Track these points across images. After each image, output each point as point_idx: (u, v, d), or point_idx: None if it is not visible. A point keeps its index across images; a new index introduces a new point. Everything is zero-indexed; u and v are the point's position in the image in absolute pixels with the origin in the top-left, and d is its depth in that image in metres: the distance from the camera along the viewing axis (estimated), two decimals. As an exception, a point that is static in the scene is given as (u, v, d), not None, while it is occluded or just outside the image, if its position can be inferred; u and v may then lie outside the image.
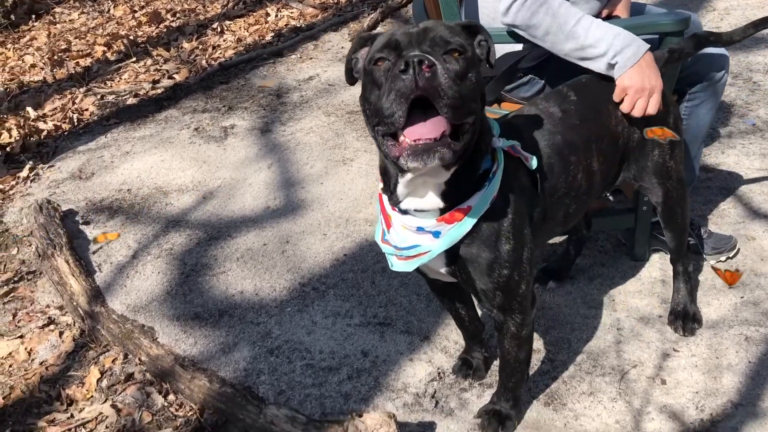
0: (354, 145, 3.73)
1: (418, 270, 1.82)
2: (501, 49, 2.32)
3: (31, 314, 2.77)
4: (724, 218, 2.85)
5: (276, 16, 5.82)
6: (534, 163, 1.73)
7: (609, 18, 2.31)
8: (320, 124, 4.02)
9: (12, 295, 2.88)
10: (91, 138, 4.16)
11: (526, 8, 1.98)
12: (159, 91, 4.71)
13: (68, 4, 6.78)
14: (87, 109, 4.53)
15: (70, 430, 2.23)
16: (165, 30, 5.77)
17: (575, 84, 1.97)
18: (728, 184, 3.07)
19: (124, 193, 3.52)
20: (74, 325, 2.67)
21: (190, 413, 2.23)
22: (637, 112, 1.94)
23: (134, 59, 5.20)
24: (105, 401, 2.31)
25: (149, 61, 5.18)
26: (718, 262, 2.59)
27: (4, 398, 2.37)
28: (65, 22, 6.36)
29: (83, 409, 2.30)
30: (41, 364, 2.51)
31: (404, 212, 1.66)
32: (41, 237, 2.99)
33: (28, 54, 5.57)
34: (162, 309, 2.68)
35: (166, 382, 2.34)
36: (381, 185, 1.71)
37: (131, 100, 4.62)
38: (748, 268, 2.55)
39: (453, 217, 1.62)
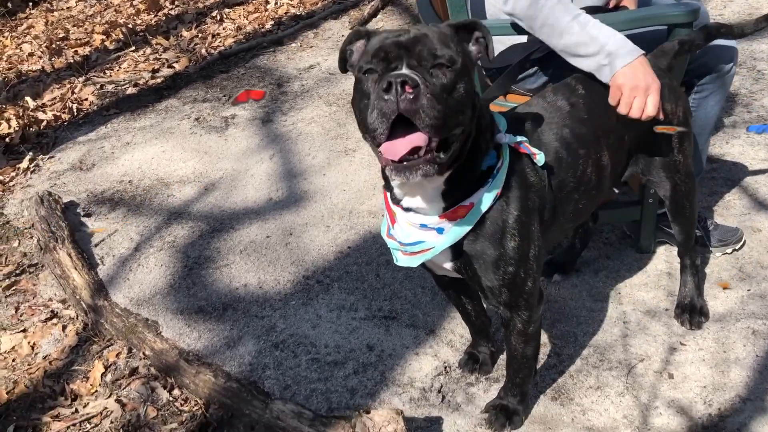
0: (356, 136, 3.71)
1: (423, 265, 1.81)
2: (508, 41, 2.30)
3: (33, 308, 2.75)
4: (730, 210, 2.84)
5: (275, 3, 5.77)
6: (541, 159, 1.71)
7: (616, 9, 2.28)
8: (321, 114, 4.00)
9: (14, 288, 2.87)
10: (91, 128, 4.13)
11: None
12: (159, 80, 4.67)
13: (65, -9, 6.72)
14: (86, 99, 4.50)
15: (74, 425, 2.22)
16: (164, 18, 5.73)
17: (583, 76, 1.95)
18: (733, 175, 3.06)
19: (126, 184, 3.50)
20: (77, 318, 2.66)
21: (196, 408, 2.22)
22: (635, 113, 1.87)
23: (133, 48, 5.15)
24: (109, 396, 2.31)
25: (148, 50, 5.14)
26: (723, 254, 2.58)
27: (7, 393, 2.36)
28: (63, 9, 6.30)
29: (88, 404, 2.29)
30: (45, 358, 2.50)
31: (407, 209, 1.65)
32: (43, 230, 2.97)
33: (26, 42, 5.52)
34: (165, 302, 2.67)
35: (171, 377, 2.33)
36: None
37: (131, 90, 4.58)
38: (754, 261, 2.54)
39: (455, 214, 1.62)
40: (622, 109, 1.87)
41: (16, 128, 4.03)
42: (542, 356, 2.23)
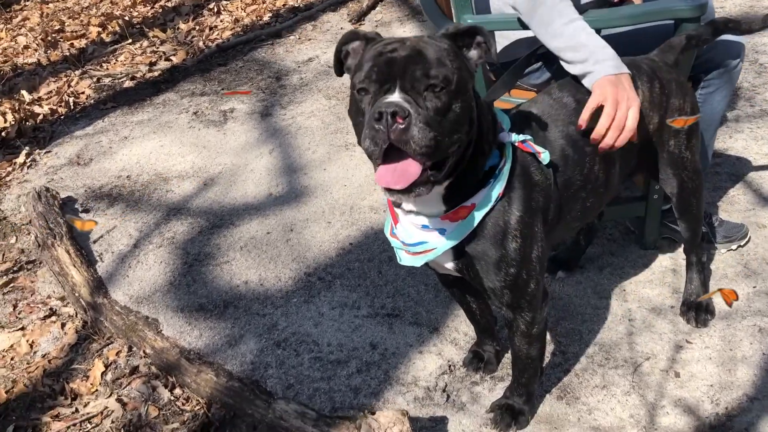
0: (356, 130, 3.68)
1: (426, 264, 1.79)
2: (512, 36, 2.27)
3: (31, 305, 2.73)
4: (734, 205, 2.82)
5: (273, -5, 5.72)
6: (546, 157, 1.69)
7: (622, 3, 2.25)
8: (321, 108, 3.96)
9: (12, 285, 2.84)
10: (88, 122, 4.09)
11: None
12: (156, 73, 4.63)
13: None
14: (83, 93, 4.46)
15: (75, 425, 2.20)
16: (161, 10, 5.67)
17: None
18: (737, 169, 3.03)
19: (124, 179, 3.47)
20: (76, 316, 2.63)
21: (197, 408, 2.19)
22: (616, 125, 1.77)
23: (130, 41, 5.11)
24: (110, 395, 2.28)
25: (145, 43, 5.09)
26: (728, 250, 2.55)
27: (6, 392, 2.33)
28: (58, 1, 6.24)
29: (88, 403, 2.27)
30: (44, 356, 2.47)
31: (408, 211, 1.64)
32: (41, 226, 2.94)
33: (21, 35, 5.47)
34: (165, 300, 2.64)
35: (172, 376, 2.31)
36: None
37: (128, 83, 4.54)
38: (759, 257, 2.52)
39: (457, 215, 1.61)
40: (603, 120, 1.76)
41: (12, 122, 3.99)
42: (547, 354, 2.21)
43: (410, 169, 1.40)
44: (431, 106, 1.40)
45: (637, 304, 2.39)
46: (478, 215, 1.61)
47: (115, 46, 5.08)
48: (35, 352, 2.50)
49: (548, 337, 2.26)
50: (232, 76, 4.51)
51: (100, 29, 5.36)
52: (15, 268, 2.92)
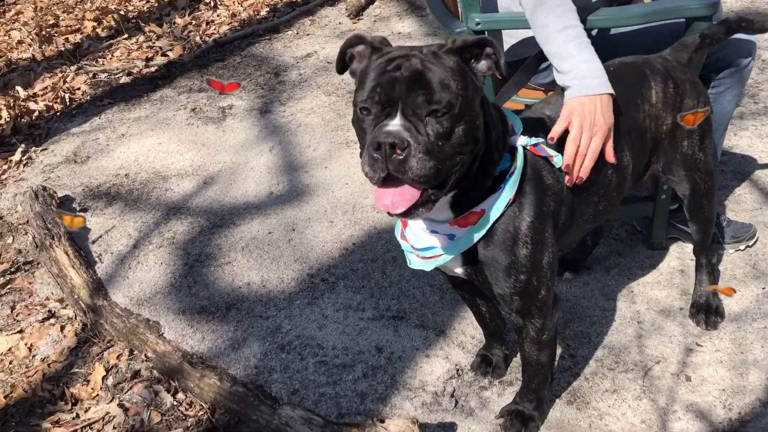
0: (357, 127, 3.63)
1: (437, 268, 1.75)
2: (519, 35, 2.24)
3: (30, 307, 2.68)
4: (741, 204, 2.79)
5: (270, -11, 5.65)
6: (559, 161, 1.66)
7: (632, 1, 2.22)
8: (321, 104, 3.92)
9: (9, 287, 2.79)
10: (84, 119, 4.03)
11: None
12: (153, 69, 4.57)
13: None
14: (79, 88, 4.39)
15: (76, 431, 2.16)
16: (156, 4, 5.60)
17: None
18: (743, 168, 3.01)
19: (122, 178, 3.42)
20: (76, 318, 2.59)
21: (201, 413, 2.16)
22: (580, 151, 1.68)
23: (126, 35, 5.04)
24: (111, 400, 2.25)
25: (141, 38, 5.03)
26: (736, 251, 2.53)
27: (5, 397, 2.29)
28: (52, -5, 6.16)
29: (89, 408, 2.23)
30: (43, 360, 2.43)
31: None
32: (38, 226, 2.89)
33: (15, 29, 5.39)
34: (167, 302, 2.60)
35: (175, 380, 2.27)
36: None
37: (124, 79, 4.48)
38: (768, 257, 2.50)
39: (466, 220, 1.58)
40: (568, 147, 1.68)
41: (7, 119, 3.92)
42: (556, 358, 2.18)
43: (408, 192, 1.38)
44: (432, 132, 1.37)
45: (646, 305, 2.36)
46: (488, 221, 1.58)
47: (111, 41, 5.01)
48: (34, 356, 2.46)
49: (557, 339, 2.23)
50: (229, 71, 4.46)
51: (95, 24, 5.28)
52: (12, 269, 2.87)
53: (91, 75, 4.55)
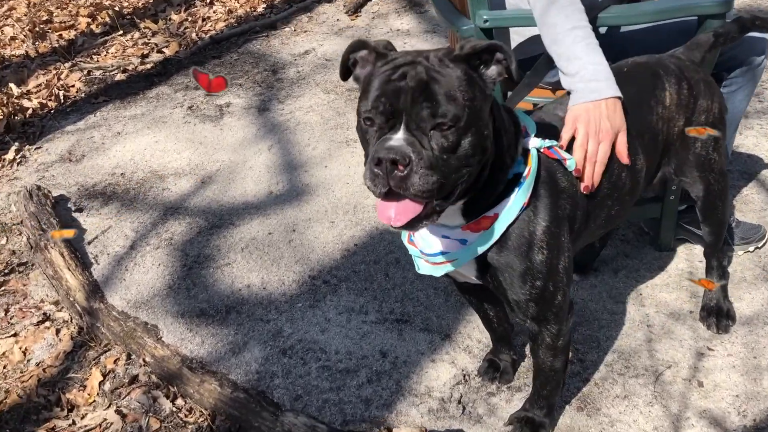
0: (357, 126, 3.58)
1: (446, 274, 1.70)
2: (527, 32, 2.19)
3: (24, 310, 2.62)
4: (748, 204, 2.75)
5: (267, -15, 5.59)
6: (572, 164, 1.62)
7: (643, -2, 2.17)
8: (320, 102, 3.86)
9: (3, 289, 2.73)
10: (79, 117, 3.96)
11: None
12: (148, 66, 4.50)
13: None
14: (73, 86, 4.32)
15: (72, 438, 2.10)
16: (151, 0, 5.53)
17: (615, 74, 1.82)
18: (749, 168, 2.97)
19: (118, 177, 3.35)
20: (71, 321, 2.53)
21: (201, 420, 2.11)
22: (589, 157, 1.64)
23: (121, 32, 4.97)
24: (109, 406, 2.19)
25: (137, 34, 4.96)
26: (745, 252, 2.48)
27: None
28: (45, -10, 6.08)
29: (86, 415, 2.17)
30: (38, 365, 2.37)
31: None
32: (33, 227, 2.83)
33: (8, 26, 5.30)
34: (165, 305, 2.54)
35: (174, 386, 2.22)
36: None
37: (119, 76, 4.41)
38: (778, 259, 2.46)
39: (479, 225, 1.53)
40: (576, 154, 1.64)
41: (1, 117, 3.85)
42: (565, 363, 2.13)
43: (411, 204, 1.33)
44: (437, 146, 1.32)
45: (655, 308, 2.31)
46: (502, 225, 1.53)
47: (106, 38, 4.94)
48: (29, 360, 2.40)
49: (565, 344, 2.18)
50: (226, 68, 4.39)
51: (89, 20, 5.21)
52: (6, 271, 2.81)
53: (85, 72, 4.48)
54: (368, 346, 2.28)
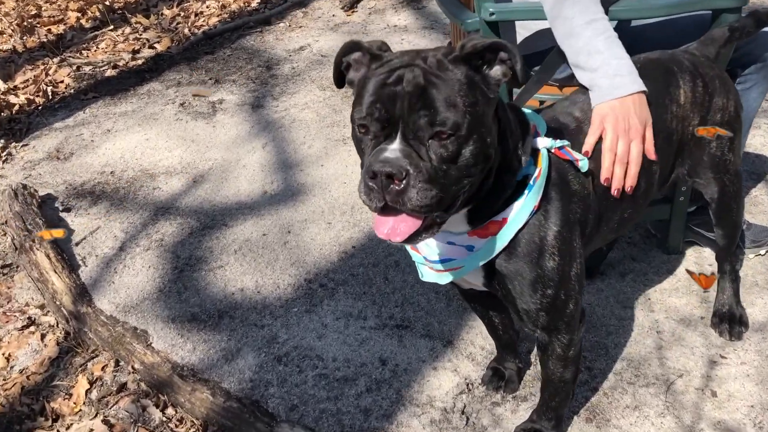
0: (354, 123, 3.49)
1: (451, 281, 1.61)
2: (533, 27, 2.11)
3: (8, 314, 2.52)
4: (758, 206, 2.68)
5: (261, -20, 5.49)
6: (584, 165, 1.53)
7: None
8: (315, 99, 3.77)
9: (-14, 291, 2.63)
10: (67, 113, 3.85)
11: None
12: (139, 62, 4.40)
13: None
14: (62, 82, 4.21)
15: (57, 450, 2.01)
16: (143, -6, 5.43)
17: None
18: (758, 168, 2.89)
19: (107, 176, 3.25)
20: (57, 326, 2.43)
21: (192, 430, 2.02)
22: (619, 159, 1.58)
23: (111, 27, 4.86)
24: (95, 416, 2.09)
25: (128, 29, 4.85)
26: (756, 255, 2.41)
27: (-19, 413, 2.13)
28: (34, -15, 5.96)
29: (71, 425, 2.08)
30: (22, 372, 2.27)
31: None
32: (17, 227, 2.73)
33: (-5, 20, 5.20)
34: (155, 309, 2.44)
35: (164, 394, 2.13)
36: None
37: (110, 72, 4.30)
38: (790, 263, 2.38)
39: (487, 230, 1.44)
40: (605, 158, 1.58)
41: (-13, 113, 3.75)
42: (572, 371, 2.05)
43: (410, 219, 1.25)
44: (436, 157, 1.22)
45: (664, 314, 2.23)
46: (511, 231, 1.44)
47: (96, 33, 4.83)
48: (12, 367, 2.30)
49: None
50: (219, 65, 4.29)
51: (79, 14, 5.10)
52: (-10, 273, 2.71)
53: (74, 68, 4.37)
54: (367, 353, 2.19)
